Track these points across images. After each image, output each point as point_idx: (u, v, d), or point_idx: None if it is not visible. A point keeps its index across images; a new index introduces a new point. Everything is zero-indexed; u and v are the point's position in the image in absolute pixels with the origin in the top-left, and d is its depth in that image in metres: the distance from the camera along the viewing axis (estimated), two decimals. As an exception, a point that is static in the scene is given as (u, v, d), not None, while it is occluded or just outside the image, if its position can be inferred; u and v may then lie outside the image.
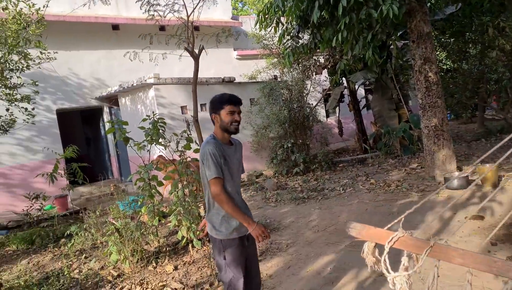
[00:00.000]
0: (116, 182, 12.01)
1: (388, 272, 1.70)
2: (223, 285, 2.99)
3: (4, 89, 6.92)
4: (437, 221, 5.62)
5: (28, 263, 6.19)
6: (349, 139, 14.60)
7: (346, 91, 13.50)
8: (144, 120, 5.95)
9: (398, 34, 10.52)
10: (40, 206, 8.26)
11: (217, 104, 2.97)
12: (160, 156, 7.82)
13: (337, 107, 13.71)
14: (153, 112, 6.08)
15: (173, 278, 4.89)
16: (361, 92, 16.27)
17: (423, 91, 7.86)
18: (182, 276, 4.90)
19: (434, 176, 7.85)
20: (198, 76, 10.08)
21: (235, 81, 11.26)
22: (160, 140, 5.82)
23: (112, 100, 11.77)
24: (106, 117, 12.02)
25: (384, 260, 1.71)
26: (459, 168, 8.05)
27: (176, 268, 5.20)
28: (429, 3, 9.07)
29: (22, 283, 4.69)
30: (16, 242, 7.04)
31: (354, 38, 7.49)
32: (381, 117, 12.14)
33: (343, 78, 13.11)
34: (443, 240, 1.68)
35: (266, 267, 4.83)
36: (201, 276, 4.82)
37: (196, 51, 5.57)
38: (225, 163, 2.87)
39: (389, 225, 1.90)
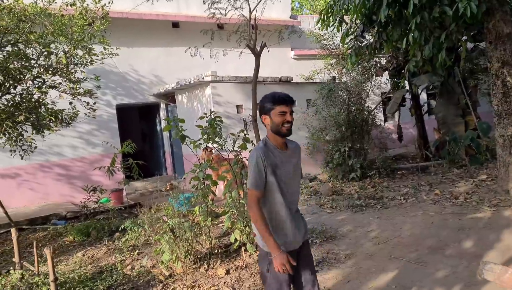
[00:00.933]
0: (170, 179, 12.13)
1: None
2: None
3: (68, 83, 7.09)
4: (515, 242, 5.06)
5: (84, 255, 6.26)
6: (409, 145, 13.87)
7: (407, 95, 12.82)
8: (201, 118, 5.83)
9: (471, 34, 9.79)
10: (97, 198, 8.41)
11: (267, 105, 2.71)
12: (206, 148, 7.77)
13: (397, 112, 13.05)
14: (210, 109, 5.95)
15: (225, 283, 4.71)
16: (423, 96, 15.45)
17: (500, 97, 7.20)
18: (235, 281, 4.71)
19: (509, 189, 7.16)
20: (252, 75, 9.96)
21: (292, 81, 10.99)
22: (217, 139, 5.68)
23: (169, 97, 11.89)
24: (162, 113, 12.17)
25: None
26: (537, 183, 7.30)
27: (228, 272, 5.02)
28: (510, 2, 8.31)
29: (77, 278, 4.70)
30: (73, 233, 7.18)
31: (425, 39, 6.98)
32: (445, 124, 11.39)
33: (405, 81, 12.45)
34: None
35: (324, 279, 4.52)
36: (254, 283, 4.60)
37: (258, 48, 5.36)
38: (274, 171, 2.64)
39: None
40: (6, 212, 7.45)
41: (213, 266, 5.24)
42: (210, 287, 4.59)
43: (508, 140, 7.15)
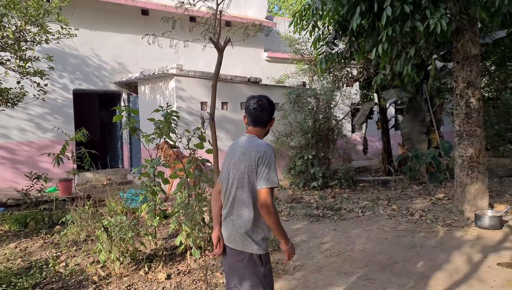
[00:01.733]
0: (125, 172, 11.63)
1: None
2: None
3: (17, 61, 6.56)
4: (464, 263, 4.98)
5: (16, 247, 5.77)
6: (373, 158, 13.89)
7: (376, 108, 12.83)
8: (156, 110, 5.47)
9: (440, 54, 9.84)
10: (41, 187, 7.87)
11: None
12: (166, 142, 7.52)
13: (365, 124, 13.03)
14: (167, 103, 5.60)
15: (163, 288, 4.38)
16: (391, 110, 15.58)
17: (462, 117, 7.20)
18: (174, 288, 4.39)
19: (463, 210, 7.17)
20: (223, 73, 9.64)
21: (261, 83, 10.74)
22: (171, 134, 5.34)
23: (132, 86, 11.39)
24: (124, 103, 11.65)
25: None
26: (491, 205, 7.35)
27: (169, 276, 4.69)
28: (480, 24, 8.36)
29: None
30: (9, 222, 6.65)
31: (397, 53, 6.88)
32: (409, 140, 11.44)
33: (375, 94, 12.46)
34: None
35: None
36: (194, 291, 4.30)
37: (222, 43, 5.07)
38: None
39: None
40: None
41: (154, 269, 4.90)
42: (146, 293, 4.25)
43: (466, 161, 7.15)
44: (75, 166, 9.27)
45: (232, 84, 9.95)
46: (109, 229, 4.55)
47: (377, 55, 6.70)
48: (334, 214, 7.58)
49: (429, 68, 10.75)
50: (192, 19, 10.40)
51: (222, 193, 2.76)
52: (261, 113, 2.76)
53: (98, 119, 13.13)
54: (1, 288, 3.89)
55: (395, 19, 6.38)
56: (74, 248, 5.67)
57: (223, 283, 4.50)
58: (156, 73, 9.33)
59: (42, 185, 7.83)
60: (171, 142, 5.34)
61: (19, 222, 6.69)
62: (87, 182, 10.58)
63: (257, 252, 2.58)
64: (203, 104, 9.68)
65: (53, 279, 4.66)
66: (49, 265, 4.97)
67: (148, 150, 5.67)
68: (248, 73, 11.88)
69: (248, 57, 13.23)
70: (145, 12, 11.66)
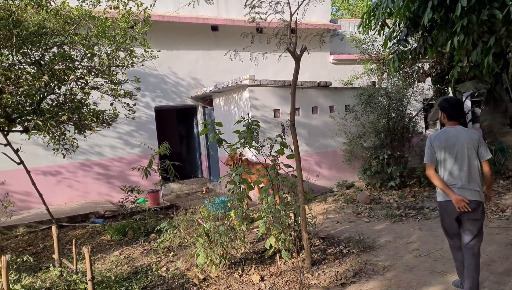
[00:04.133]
0: (205, 181, 12.19)
1: None
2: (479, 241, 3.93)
3: (110, 85, 7.23)
4: None
5: (120, 254, 6.34)
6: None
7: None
8: (238, 122, 5.79)
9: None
10: (134, 199, 8.55)
11: None
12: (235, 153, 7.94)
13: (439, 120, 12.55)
14: (248, 113, 5.91)
15: (259, 289, 4.63)
16: (467, 104, 14.86)
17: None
18: (269, 289, 4.61)
19: (562, 204, 6.72)
20: (290, 79, 9.83)
21: (330, 86, 10.80)
22: (254, 143, 5.62)
23: (207, 100, 11.97)
24: (200, 116, 12.26)
25: None
26: None
27: (262, 278, 4.93)
28: None
29: (113, 277, 4.75)
30: (111, 232, 7.30)
31: (472, 43, 6.66)
32: (491, 132, 10.85)
33: (449, 88, 11.98)
34: None
35: (361, 291, 4.36)
36: (288, 291, 4.50)
37: (298, 52, 5.27)
38: None
39: None
40: (48, 209, 7.66)
41: (247, 272, 5.17)
42: (244, 293, 4.52)
43: (562, 151, 6.70)
44: (160, 178, 9.97)
45: (302, 90, 10.11)
46: (209, 234, 4.88)
47: (452, 47, 6.53)
48: (417, 213, 7.44)
49: (508, 55, 10.18)
50: (259, 30, 10.74)
51: (443, 167, 3.95)
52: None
53: (178, 133, 13.90)
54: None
55: (470, 8, 6.19)
56: (171, 253, 6.12)
57: (315, 284, 4.66)
58: (230, 85, 9.75)
59: (135, 197, 8.49)
60: (253, 150, 5.61)
61: (119, 232, 7.33)
62: (172, 192, 11.24)
63: (479, 199, 3.85)
64: (276, 111, 9.93)
65: (158, 283, 5.09)
66: (153, 270, 5.43)
67: (221, 161, 6.00)
68: (316, 78, 11.98)
69: (315, 62, 13.33)
70: (214, 28, 12.24)
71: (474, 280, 3.78)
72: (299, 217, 5.59)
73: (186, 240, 6.48)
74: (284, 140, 5.70)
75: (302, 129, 10.24)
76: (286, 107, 9.97)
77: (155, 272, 5.35)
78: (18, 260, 3.92)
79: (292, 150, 5.63)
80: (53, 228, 4.57)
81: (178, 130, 13.90)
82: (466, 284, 3.81)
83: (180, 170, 9.49)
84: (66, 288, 3.86)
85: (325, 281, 4.71)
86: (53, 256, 4.91)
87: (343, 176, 10.74)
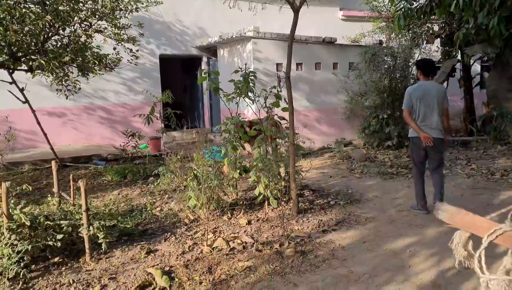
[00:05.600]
0: (207, 131, 12.41)
1: (483, 273, 1.38)
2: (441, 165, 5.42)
3: (113, 29, 7.28)
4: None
5: (119, 194, 6.66)
6: (454, 118, 13.32)
7: (458, 65, 12.18)
8: (235, 72, 5.88)
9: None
10: (135, 144, 8.79)
11: None
12: None
13: (445, 82, 12.47)
14: (245, 64, 5.98)
15: (245, 231, 4.91)
16: (476, 68, 14.64)
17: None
18: (254, 231, 4.89)
19: (551, 171, 6.85)
20: (298, 34, 9.76)
21: (336, 42, 10.70)
22: (249, 94, 5.73)
23: (211, 50, 11.95)
24: (204, 66, 12.29)
25: (479, 256, 1.39)
26: None
27: (249, 222, 5.21)
28: None
29: (107, 211, 5.04)
30: (111, 174, 7.61)
31: (480, 4, 6.55)
32: (495, 98, 10.81)
33: (458, 50, 11.81)
34: None
35: (340, 237, 4.62)
36: (272, 235, 4.77)
37: (298, 3, 5.27)
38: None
39: (492, 215, 1.56)
40: (52, 148, 7.96)
41: (236, 216, 5.45)
42: (230, 234, 4.80)
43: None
44: (162, 125, 10.17)
45: (307, 45, 10.06)
46: (198, 177, 5.12)
47: (457, 7, 6.44)
48: (409, 172, 7.61)
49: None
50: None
51: (418, 112, 5.15)
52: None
53: (182, 82, 13.98)
54: (114, 223, 4.64)
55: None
56: (166, 196, 6.41)
57: (297, 229, 4.92)
58: (234, 36, 9.72)
59: (136, 142, 8.74)
60: (250, 100, 5.73)
61: (119, 174, 7.63)
62: (173, 140, 11.48)
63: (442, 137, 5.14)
64: (278, 65, 9.95)
65: (151, 220, 5.40)
66: (147, 209, 5.73)
67: (229, 109, 6.13)
68: (323, 33, 11.81)
69: (323, 17, 13.10)
70: (222, -24, 12.00)
71: (441, 193, 5.25)
72: (289, 168, 5.81)
73: (181, 185, 6.76)
74: (279, 92, 5.80)
75: (304, 84, 10.28)
76: (289, 61, 9.96)
77: (149, 211, 5.65)
78: (18, 188, 4.19)
79: (287, 103, 5.76)
80: (53, 163, 4.82)
81: (182, 80, 13.97)
82: (436, 197, 5.23)
83: (182, 119, 9.69)
84: (62, 217, 4.14)
85: (308, 227, 4.97)
86: (53, 190, 5.20)
87: (342, 134, 10.87)
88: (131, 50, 7.69)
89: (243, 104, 8.48)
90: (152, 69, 11.26)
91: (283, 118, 5.86)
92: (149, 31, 10.85)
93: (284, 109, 5.78)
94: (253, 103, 5.57)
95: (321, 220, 5.17)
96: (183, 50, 11.74)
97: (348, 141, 10.75)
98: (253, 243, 4.48)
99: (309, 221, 5.17)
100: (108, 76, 9.65)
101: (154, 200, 6.24)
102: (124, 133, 8.72)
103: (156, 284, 3.58)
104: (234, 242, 4.55)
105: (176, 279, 3.68)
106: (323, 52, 10.50)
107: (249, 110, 9.22)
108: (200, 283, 3.64)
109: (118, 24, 7.30)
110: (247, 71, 5.63)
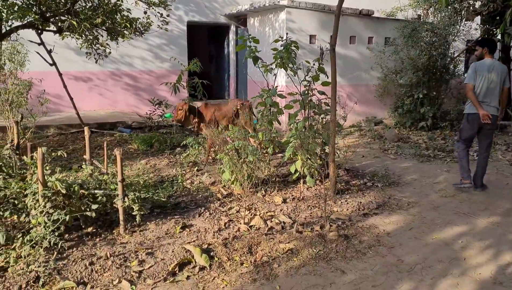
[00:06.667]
0: (231, 103, 12.13)
1: None
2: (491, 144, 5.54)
3: (144, -9, 6.96)
4: None
5: (146, 164, 6.48)
6: (488, 101, 12.76)
7: (498, 46, 11.55)
8: (276, 41, 5.56)
9: None
10: (161, 112, 8.58)
11: None
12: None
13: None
14: (286, 33, 5.66)
15: (281, 210, 4.69)
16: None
17: None
18: (291, 211, 4.68)
19: None
20: (333, 4, 9.30)
21: (373, 16, 10.19)
22: (290, 65, 5.42)
23: (241, 19, 11.51)
24: (232, 36, 11.88)
25: None
26: None
27: (284, 201, 4.99)
28: None
29: (141, 182, 4.86)
30: (138, 142, 7.43)
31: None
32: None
33: (498, 30, 11.16)
34: None
35: (384, 223, 4.37)
36: (310, 215, 4.55)
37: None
38: None
39: None
40: (78, 113, 7.79)
41: (270, 193, 5.23)
42: (267, 212, 4.59)
43: None
44: (188, 95, 9.91)
45: (342, 17, 9.55)
46: (239, 151, 4.88)
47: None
48: (446, 155, 7.28)
49: None
50: None
51: (480, 89, 5.13)
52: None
53: (207, 51, 13.61)
54: (149, 195, 4.45)
55: None
56: (196, 168, 6.21)
57: (337, 211, 4.69)
58: (266, 4, 9.29)
59: (163, 110, 8.52)
60: (291, 72, 5.42)
61: (146, 142, 7.45)
62: (198, 110, 11.24)
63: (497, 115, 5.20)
64: (312, 37, 9.53)
65: (183, 193, 5.21)
66: (178, 181, 5.54)
67: (266, 80, 5.84)
68: (356, 4, 11.27)
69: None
70: None
71: (483, 171, 5.39)
72: (327, 146, 5.53)
73: (211, 157, 6.55)
74: (321, 65, 5.48)
75: (338, 59, 9.84)
76: (323, 34, 9.52)
77: (180, 183, 5.46)
78: (53, 154, 4.01)
79: (328, 77, 5.43)
80: (86, 129, 4.63)
81: (208, 49, 13.60)
82: (477, 177, 5.38)
83: (207, 90, 9.40)
84: (97, 186, 3.96)
85: (347, 209, 4.73)
86: (84, 156, 5.03)
87: (372, 112, 10.50)
88: (161, 14, 7.36)
89: (281, 74, 8.05)
90: (179, 36, 10.92)
91: (323, 93, 5.54)
92: (178, -4, 10.49)
93: (324, 83, 5.47)
94: (294, 75, 5.26)
95: (360, 202, 4.92)
96: (211, 17, 11.34)
97: (379, 119, 10.39)
98: (292, 224, 4.27)
99: (347, 203, 4.92)
100: (135, 42, 9.36)
101: (184, 172, 6.04)
102: (151, 101, 8.50)
103: (196, 262, 3.40)
104: (271, 221, 4.34)
105: (216, 258, 3.50)
106: (359, 25, 10.01)
107: (281, 83, 8.90)
108: (241, 264, 3.44)
109: (149, -14, 6.96)
110: (288, 41, 5.31)
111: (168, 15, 7.71)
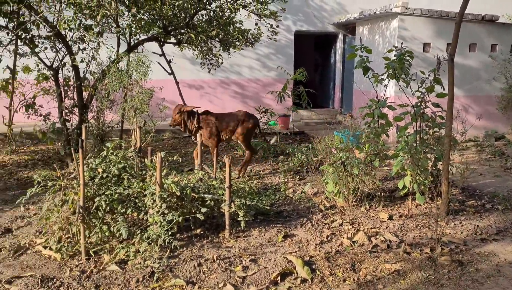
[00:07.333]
0: (336, 112, 11.97)
1: None
2: None
3: (256, 3, 7.19)
4: None
5: (251, 170, 6.66)
6: None
7: None
8: (389, 51, 5.37)
9: None
10: (267, 120, 8.78)
11: None
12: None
13: None
14: (401, 43, 5.43)
15: (387, 227, 4.49)
16: None
17: None
18: (397, 229, 4.45)
19: None
20: (453, 10, 8.68)
21: (497, 21, 9.29)
22: (403, 76, 5.17)
23: (349, 27, 11.32)
24: (339, 45, 11.73)
25: None
26: None
27: (391, 217, 4.76)
28: None
29: (247, 189, 5.01)
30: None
31: None
32: None
33: None
34: None
35: (505, 251, 3.94)
36: (419, 236, 4.28)
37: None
38: None
39: None
40: (190, 119, 8.30)
41: (375, 208, 5.04)
42: (371, 228, 4.42)
43: None
44: (293, 103, 10.02)
45: (462, 23, 8.88)
46: (346, 164, 4.80)
47: None
48: None
49: None
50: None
51: None
52: None
53: (313, 60, 13.62)
54: (253, 202, 4.58)
55: None
56: (298, 177, 6.22)
57: (449, 233, 4.34)
58: (378, 12, 9.00)
59: (268, 118, 8.71)
60: (402, 83, 5.18)
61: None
62: (301, 119, 11.29)
63: None
64: (425, 45, 8.99)
65: (285, 202, 5.26)
66: (281, 189, 5.60)
67: (376, 91, 5.66)
68: (477, 10, 10.37)
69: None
70: None
71: None
72: (439, 162, 5.16)
73: (313, 167, 6.51)
74: (438, 76, 5.14)
75: (455, 68, 9.17)
76: (438, 42, 8.93)
77: (283, 192, 5.52)
78: (170, 159, 4.33)
79: (444, 88, 5.08)
80: (198, 135, 4.91)
81: (314, 58, 13.60)
82: None
83: (311, 98, 9.41)
84: (206, 190, 4.18)
85: (462, 232, 4.36)
86: (196, 161, 5.34)
87: (493, 126, 9.55)
88: (271, 25, 7.54)
89: (391, 85, 7.75)
90: (287, 45, 11.10)
91: (438, 105, 5.18)
92: (287, 6, 10.64)
93: (439, 95, 5.12)
94: (407, 86, 5.01)
95: (477, 225, 4.50)
96: (319, 26, 11.33)
97: (500, 134, 9.41)
98: (399, 243, 4.05)
99: (462, 225, 4.54)
100: (244, 51, 9.73)
101: (286, 180, 6.08)
102: (257, 109, 8.75)
103: (297, 274, 3.40)
104: (376, 238, 4.17)
105: (318, 272, 3.45)
106: (481, 31, 9.21)
107: (390, 94, 8.55)
108: (344, 280, 3.35)
109: (261, -1, 7.18)
110: (402, 50, 5.07)
111: (277, 26, 7.88)
